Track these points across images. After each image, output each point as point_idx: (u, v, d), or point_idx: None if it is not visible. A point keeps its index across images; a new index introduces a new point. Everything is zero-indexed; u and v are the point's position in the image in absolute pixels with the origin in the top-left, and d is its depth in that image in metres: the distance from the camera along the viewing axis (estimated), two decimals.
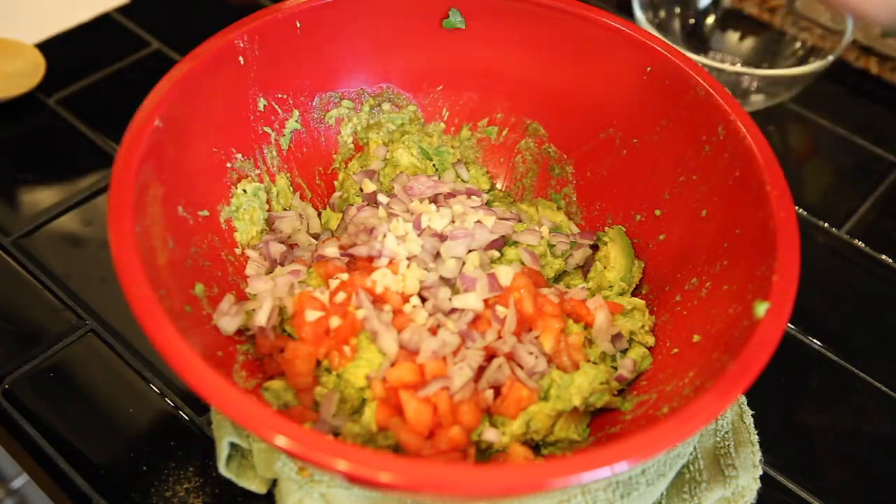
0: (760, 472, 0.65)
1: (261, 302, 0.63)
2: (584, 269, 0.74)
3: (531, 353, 0.63)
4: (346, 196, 0.76)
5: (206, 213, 0.66)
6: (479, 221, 0.68)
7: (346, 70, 0.76)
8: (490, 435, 0.60)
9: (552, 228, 0.74)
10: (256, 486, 0.63)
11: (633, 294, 0.72)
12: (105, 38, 1.00)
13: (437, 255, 0.67)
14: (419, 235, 0.67)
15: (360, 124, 0.79)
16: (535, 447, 0.63)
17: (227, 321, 0.62)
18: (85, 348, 0.72)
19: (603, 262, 0.73)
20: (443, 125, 0.80)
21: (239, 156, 0.70)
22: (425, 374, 0.60)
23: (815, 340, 0.78)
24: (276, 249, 0.69)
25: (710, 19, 1.03)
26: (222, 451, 0.61)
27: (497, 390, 0.62)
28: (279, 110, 0.73)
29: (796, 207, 0.87)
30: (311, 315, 0.62)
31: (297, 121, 0.75)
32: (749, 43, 1.02)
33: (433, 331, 0.62)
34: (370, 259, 0.65)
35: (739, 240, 0.62)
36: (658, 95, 0.70)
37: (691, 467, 0.65)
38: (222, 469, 0.62)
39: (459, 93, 0.79)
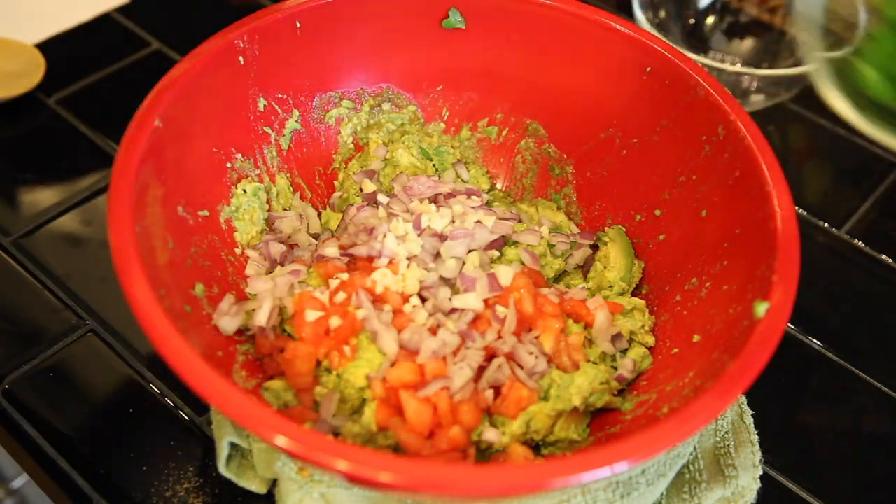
0: (760, 472, 0.65)
1: (261, 302, 0.63)
2: (584, 269, 0.74)
3: (531, 353, 0.63)
4: (346, 196, 0.76)
5: (206, 213, 0.66)
6: (479, 221, 0.68)
7: (346, 70, 0.76)
8: (490, 435, 0.60)
9: (552, 228, 0.74)
10: (256, 486, 0.63)
11: (633, 294, 0.72)
12: (105, 38, 1.00)
13: (437, 255, 0.67)
14: (419, 235, 0.67)
15: (360, 124, 0.79)
16: (535, 447, 0.63)
17: (227, 321, 0.62)
18: (85, 348, 0.72)
19: (603, 262, 0.73)
20: (443, 125, 0.80)
21: (239, 156, 0.70)
22: (425, 374, 0.60)
23: (815, 340, 0.78)
24: (276, 249, 0.69)
25: (710, 19, 1.03)
26: (222, 451, 0.61)
27: (497, 390, 0.62)
28: (279, 110, 0.73)
29: (796, 207, 0.87)
30: (311, 315, 0.62)
31: (297, 121, 0.75)
32: (749, 43, 1.02)
33: (433, 331, 0.62)
34: (370, 259, 0.65)
35: (739, 240, 0.62)
36: (658, 95, 0.70)
37: (691, 467, 0.65)
38: (222, 469, 0.62)
39: (459, 93, 0.79)
